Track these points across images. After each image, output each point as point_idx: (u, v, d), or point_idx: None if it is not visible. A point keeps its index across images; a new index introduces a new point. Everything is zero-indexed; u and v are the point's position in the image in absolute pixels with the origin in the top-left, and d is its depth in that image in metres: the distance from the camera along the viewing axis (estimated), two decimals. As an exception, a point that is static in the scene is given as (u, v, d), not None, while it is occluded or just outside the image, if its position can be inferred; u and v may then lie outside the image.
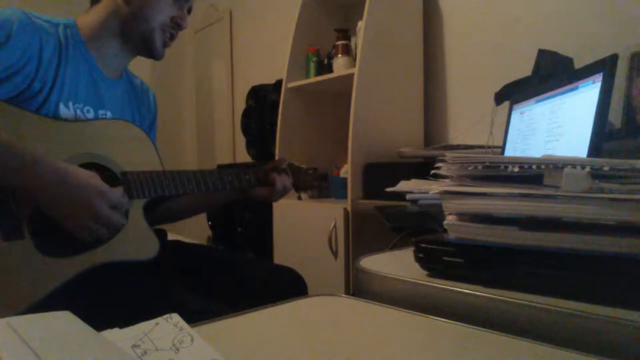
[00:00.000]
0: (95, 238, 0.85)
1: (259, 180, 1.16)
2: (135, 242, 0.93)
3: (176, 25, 1.05)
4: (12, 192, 0.80)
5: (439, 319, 0.57)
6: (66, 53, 0.94)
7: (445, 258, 0.67)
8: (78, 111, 0.95)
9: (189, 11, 1.09)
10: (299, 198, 2.04)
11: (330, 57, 2.05)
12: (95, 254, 0.87)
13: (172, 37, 1.06)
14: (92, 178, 0.83)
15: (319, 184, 1.32)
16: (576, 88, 0.77)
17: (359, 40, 1.79)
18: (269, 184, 1.16)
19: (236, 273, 1.06)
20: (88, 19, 1.01)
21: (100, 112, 1.00)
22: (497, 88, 1.25)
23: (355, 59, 1.90)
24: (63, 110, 0.92)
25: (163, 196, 0.98)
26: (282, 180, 1.17)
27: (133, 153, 0.97)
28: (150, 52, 1.05)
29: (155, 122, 1.21)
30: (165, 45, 1.06)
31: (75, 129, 0.90)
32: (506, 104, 1.04)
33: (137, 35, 1.02)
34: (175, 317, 0.49)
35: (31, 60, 0.87)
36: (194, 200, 1.21)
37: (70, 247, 0.84)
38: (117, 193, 0.87)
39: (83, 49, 0.98)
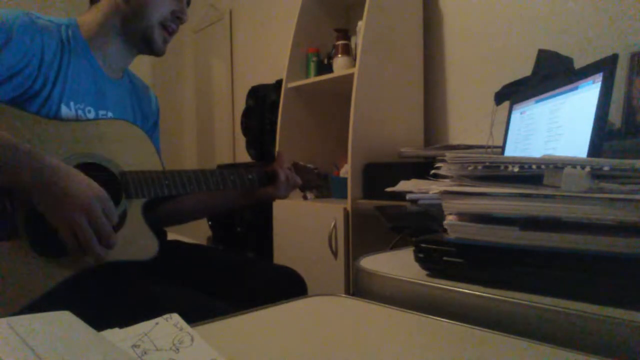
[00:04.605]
0: (79, 243, 0.78)
1: (261, 179, 1.14)
2: (134, 242, 0.92)
3: (176, 19, 1.04)
4: (7, 191, 0.79)
5: (439, 319, 0.57)
6: (68, 53, 0.94)
7: (445, 258, 0.67)
8: (79, 111, 0.95)
9: (188, 3, 1.08)
10: (305, 198, 2.03)
11: (330, 57, 2.05)
12: None
13: (173, 32, 1.06)
14: (92, 182, 0.81)
15: (323, 183, 1.31)
16: (576, 88, 0.77)
17: (359, 40, 1.79)
18: (273, 181, 1.15)
19: (236, 273, 1.06)
20: (89, 18, 1.00)
21: (101, 112, 1.00)
22: (497, 88, 1.25)
23: (355, 59, 1.90)
24: (64, 110, 0.92)
25: (163, 196, 0.98)
26: (286, 174, 1.15)
27: (132, 153, 0.96)
28: (151, 49, 1.05)
29: (158, 122, 1.21)
30: (165, 41, 1.05)
31: (74, 129, 0.90)
32: (506, 104, 1.04)
33: (137, 32, 1.02)
34: (175, 317, 0.49)
35: (32, 60, 0.87)
36: (199, 203, 1.19)
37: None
38: (112, 205, 0.82)
39: (85, 48, 0.98)
